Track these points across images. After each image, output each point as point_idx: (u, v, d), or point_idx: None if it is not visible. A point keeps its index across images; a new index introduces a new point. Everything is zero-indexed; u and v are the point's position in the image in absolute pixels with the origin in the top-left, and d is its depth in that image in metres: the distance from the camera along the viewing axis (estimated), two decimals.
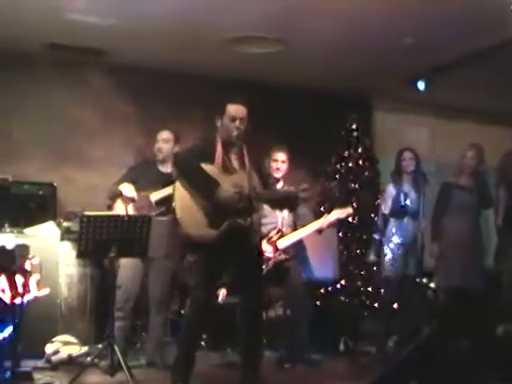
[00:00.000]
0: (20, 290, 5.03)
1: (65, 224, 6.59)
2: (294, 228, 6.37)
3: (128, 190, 5.76)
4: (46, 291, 5.50)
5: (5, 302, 4.96)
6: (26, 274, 5.14)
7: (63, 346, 5.84)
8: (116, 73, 7.85)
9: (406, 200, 6.50)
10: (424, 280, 7.21)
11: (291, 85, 8.31)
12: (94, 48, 7.28)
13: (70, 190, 7.20)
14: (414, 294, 6.61)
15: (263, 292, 5.25)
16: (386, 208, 6.59)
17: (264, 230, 6.16)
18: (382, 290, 7.01)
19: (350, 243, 7.90)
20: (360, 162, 8.15)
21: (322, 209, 7.65)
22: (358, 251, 7.90)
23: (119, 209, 5.74)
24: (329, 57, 7.44)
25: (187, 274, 6.58)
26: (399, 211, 6.50)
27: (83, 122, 7.67)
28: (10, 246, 5.08)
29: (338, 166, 8.15)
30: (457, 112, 9.32)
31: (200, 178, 4.78)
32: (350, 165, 8.13)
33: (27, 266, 5.18)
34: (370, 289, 7.70)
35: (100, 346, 5.59)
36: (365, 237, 7.87)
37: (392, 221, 6.54)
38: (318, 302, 7.39)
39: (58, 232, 6.39)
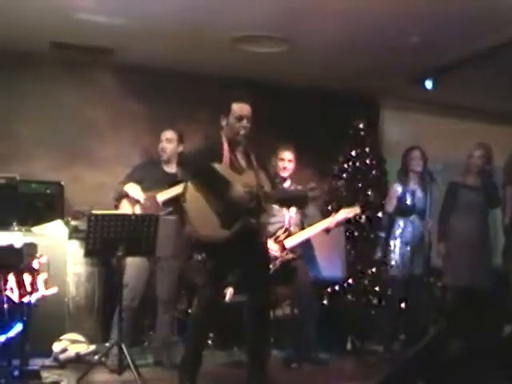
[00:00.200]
0: (28, 288, 5.04)
1: (73, 223, 6.60)
2: (302, 227, 6.38)
3: (134, 191, 5.78)
4: (53, 290, 5.51)
5: (13, 301, 4.97)
6: (34, 273, 5.15)
7: (71, 344, 5.86)
8: (123, 72, 7.86)
9: (412, 199, 6.50)
10: (431, 279, 7.19)
11: (298, 84, 8.30)
12: (101, 47, 7.28)
13: (77, 189, 7.21)
14: (421, 292, 6.61)
15: (271, 291, 5.26)
16: (390, 207, 6.58)
17: (271, 228, 6.17)
18: (389, 289, 7.01)
19: (357, 242, 7.89)
20: (367, 162, 8.13)
21: (329, 208, 7.66)
22: (365, 250, 7.89)
23: (125, 209, 5.76)
24: (335, 56, 7.42)
25: (195, 274, 6.59)
26: (406, 210, 6.49)
27: (91, 121, 7.68)
28: (18, 244, 5.09)
29: (345, 165, 8.14)
30: (464, 111, 9.29)
31: (212, 178, 4.77)
32: (357, 164, 8.12)
33: (35, 264, 5.19)
34: (377, 288, 7.69)
35: (107, 344, 5.59)
36: (372, 236, 7.87)
37: (398, 220, 6.53)
38: (325, 301, 7.39)
39: (65, 231, 6.41)
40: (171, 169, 6.01)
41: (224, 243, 4.74)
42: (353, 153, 8.15)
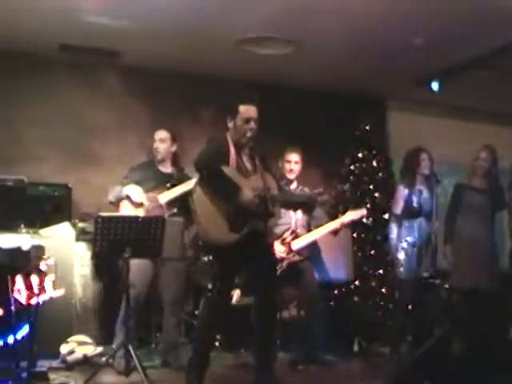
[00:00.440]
0: (35, 290, 5.04)
1: (80, 225, 6.62)
2: (309, 229, 6.38)
3: (136, 194, 5.76)
4: (61, 292, 5.52)
5: (21, 303, 4.98)
6: (42, 275, 5.15)
7: (78, 346, 5.87)
8: (129, 74, 7.89)
9: (419, 201, 6.49)
10: (438, 281, 7.18)
11: (304, 86, 8.31)
12: (107, 49, 7.30)
13: (84, 191, 7.23)
14: (427, 294, 6.60)
15: (277, 293, 5.26)
16: (397, 209, 6.56)
17: (278, 230, 6.17)
18: (396, 291, 7.00)
19: (363, 244, 7.89)
20: (374, 163, 8.13)
21: (336, 210, 7.66)
22: (371, 252, 7.89)
23: (124, 210, 5.75)
24: (340, 57, 7.43)
25: (202, 275, 6.60)
26: (412, 212, 6.48)
27: (97, 123, 7.70)
28: (25, 246, 5.10)
29: (352, 167, 8.14)
30: (470, 112, 9.29)
31: (222, 182, 4.76)
32: (364, 166, 8.12)
33: (42, 266, 5.19)
34: (383, 290, 7.70)
35: (114, 346, 5.60)
36: (379, 238, 7.87)
37: (405, 221, 6.52)
38: (332, 303, 7.38)
39: (73, 233, 6.42)
40: (166, 169, 6.02)
41: (232, 246, 4.74)
42: (359, 154, 8.15)
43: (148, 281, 5.80)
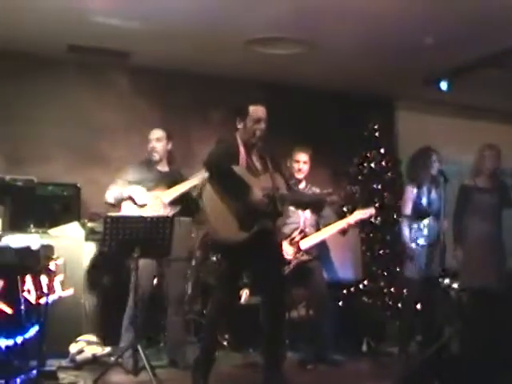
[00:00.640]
0: (45, 290, 5.06)
1: (89, 225, 6.63)
2: (317, 228, 6.38)
3: (140, 195, 5.76)
4: (70, 291, 5.54)
5: (30, 302, 4.99)
6: (51, 275, 5.17)
7: (87, 345, 5.89)
8: (138, 74, 7.91)
9: (428, 201, 6.48)
10: (447, 280, 7.16)
11: (313, 86, 8.31)
12: (116, 50, 7.32)
13: (93, 191, 7.21)
14: (436, 294, 6.59)
15: (285, 293, 5.26)
16: (407, 210, 6.53)
17: (286, 230, 6.19)
18: (405, 291, 6.99)
19: (372, 244, 7.88)
20: (383, 163, 8.12)
21: (344, 209, 7.67)
22: (380, 252, 7.88)
23: (126, 210, 5.74)
24: (350, 57, 7.42)
25: (210, 274, 6.61)
26: (421, 212, 6.47)
27: (106, 123, 7.73)
28: (35, 246, 5.11)
29: (361, 166, 8.13)
30: (479, 112, 9.27)
31: (233, 181, 4.77)
32: (373, 165, 8.11)
33: (52, 266, 5.21)
34: (392, 289, 7.69)
35: (122, 345, 5.61)
36: (388, 237, 7.86)
37: (414, 221, 6.50)
38: (340, 303, 7.38)
39: (82, 233, 6.43)
40: (163, 167, 6.02)
41: (240, 245, 4.75)
42: (368, 154, 8.14)
43: (152, 280, 5.80)
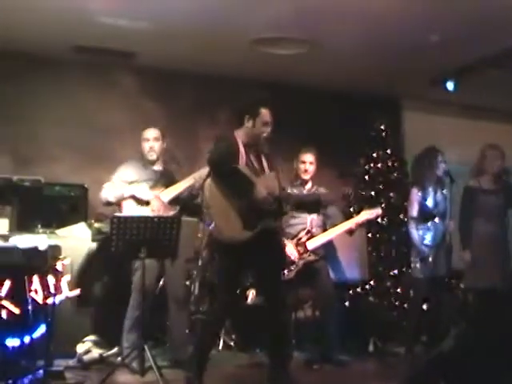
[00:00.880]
0: (52, 290, 5.08)
1: (96, 225, 6.63)
2: (324, 229, 6.37)
3: (143, 192, 5.75)
4: (77, 291, 5.56)
5: (37, 302, 5.01)
6: (58, 275, 5.19)
7: (94, 345, 5.90)
8: (143, 74, 7.93)
9: (434, 202, 6.47)
10: (453, 281, 7.16)
11: (319, 86, 8.32)
12: (122, 50, 7.35)
13: (100, 191, 7.25)
14: (443, 294, 6.58)
15: (286, 293, 5.26)
16: (413, 211, 6.52)
17: (293, 230, 6.20)
18: (412, 291, 6.99)
19: (378, 244, 7.88)
20: (389, 163, 8.12)
21: (351, 210, 7.67)
22: (387, 252, 7.88)
23: (128, 210, 5.74)
24: (355, 57, 7.43)
25: (216, 275, 6.61)
26: (427, 214, 6.46)
27: (113, 123, 7.74)
28: (42, 246, 5.13)
29: (367, 166, 8.13)
30: (485, 112, 9.26)
31: (238, 178, 4.77)
32: (379, 165, 8.11)
33: (59, 266, 5.23)
34: (399, 289, 7.69)
35: (128, 345, 5.61)
36: (394, 238, 7.86)
37: (421, 222, 6.49)
38: (347, 303, 7.38)
39: (89, 233, 6.44)
40: (159, 167, 6.02)
41: (244, 244, 4.75)
42: (374, 154, 8.14)
43: (155, 280, 5.80)
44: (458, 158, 7.45)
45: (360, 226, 6.39)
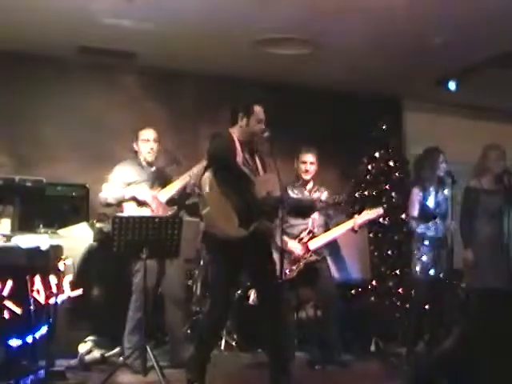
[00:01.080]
0: (54, 290, 5.08)
1: (97, 225, 6.64)
2: (326, 229, 6.37)
3: (144, 193, 5.75)
4: (78, 291, 5.56)
5: (39, 302, 5.02)
6: (60, 275, 5.19)
7: (96, 345, 5.90)
8: (146, 75, 7.93)
9: (435, 202, 6.46)
10: (454, 281, 7.15)
11: (321, 85, 8.31)
12: (125, 51, 7.35)
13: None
14: (444, 294, 6.58)
15: (288, 293, 5.26)
16: (414, 211, 6.51)
17: (295, 230, 6.19)
18: (413, 291, 6.98)
19: (380, 244, 7.87)
20: (390, 163, 8.11)
21: (352, 209, 7.66)
22: (388, 252, 7.87)
23: (128, 210, 5.73)
24: (358, 58, 7.43)
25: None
26: (428, 214, 6.45)
27: (114, 124, 7.74)
28: (44, 246, 5.14)
29: (369, 166, 8.12)
30: (487, 112, 9.26)
31: (238, 175, 4.78)
32: (381, 165, 8.10)
33: (61, 266, 5.23)
34: (400, 290, 7.68)
35: (129, 345, 5.61)
36: (396, 238, 7.85)
37: (422, 223, 6.49)
38: (349, 303, 7.38)
39: (91, 233, 6.44)
40: (154, 167, 6.00)
41: (237, 242, 4.74)
42: (376, 154, 8.13)
43: (156, 280, 5.80)
44: (459, 158, 7.43)
45: (362, 225, 6.38)
